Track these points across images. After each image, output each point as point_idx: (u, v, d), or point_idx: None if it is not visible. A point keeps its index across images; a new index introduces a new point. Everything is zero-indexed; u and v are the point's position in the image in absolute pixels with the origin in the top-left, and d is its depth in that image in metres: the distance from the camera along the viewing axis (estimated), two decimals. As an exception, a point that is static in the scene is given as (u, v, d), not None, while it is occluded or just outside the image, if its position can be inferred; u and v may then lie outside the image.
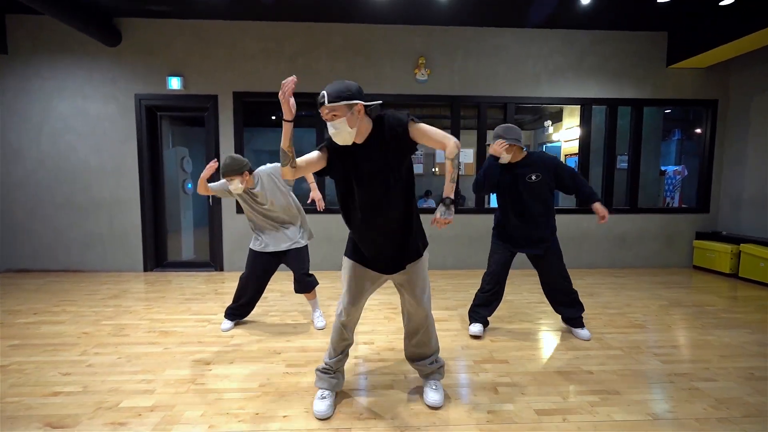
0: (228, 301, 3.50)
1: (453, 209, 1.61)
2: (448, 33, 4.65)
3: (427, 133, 1.62)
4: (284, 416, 1.80)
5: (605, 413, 1.83)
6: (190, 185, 5.79)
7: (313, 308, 3.00)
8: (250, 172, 2.64)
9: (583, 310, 2.78)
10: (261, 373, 2.20)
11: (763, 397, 1.98)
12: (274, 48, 4.58)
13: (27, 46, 4.42)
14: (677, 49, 4.68)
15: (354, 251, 1.82)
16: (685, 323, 3.04)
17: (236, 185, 2.57)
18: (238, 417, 1.79)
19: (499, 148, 2.51)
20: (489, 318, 2.84)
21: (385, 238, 1.72)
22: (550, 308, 3.31)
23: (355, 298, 1.82)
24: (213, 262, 4.83)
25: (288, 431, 1.70)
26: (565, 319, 2.83)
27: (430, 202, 7.14)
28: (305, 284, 2.80)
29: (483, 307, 2.77)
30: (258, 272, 2.77)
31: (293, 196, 2.82)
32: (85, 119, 4.53)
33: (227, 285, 4.13)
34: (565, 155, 6.73)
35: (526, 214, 2.61)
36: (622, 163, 5.12)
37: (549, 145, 7.77)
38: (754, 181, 4.60)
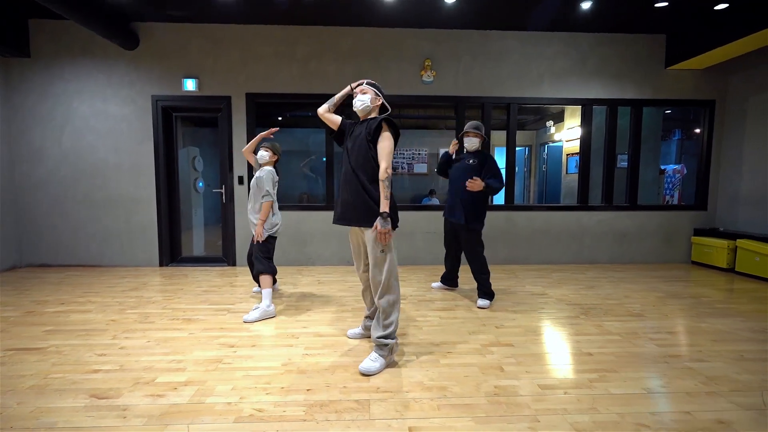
0: (242, 293, 3.68)
1: (389, 222, 2.10)
2: (454, 36, 4.82)
3: (380, 143, 2.18)
4: (308, 389, 1.96)
5: (603, 388, 1.99)
6: (201, 183, 5.97)
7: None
8: (276, 162, 3.34)
9: (485, 291, 3.36)
10: (282, 355, 2.36)
11: (752, 375, 2.13)
12: (285, 51, 4.75)
13: (49, 50, 4.62)
14: (675, 51, 4.83)
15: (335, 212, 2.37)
16: (682, 313, 3.19)
17: (262, 154, 3.22)
18: (266, 390, 1.95)
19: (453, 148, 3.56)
20: (452, 279, 3.84)
21: (346, 193, 2.25)
22: (552, 299, 3.47)
23: (354, 256, 2.42)
24: (225, 257, 5.00)
25: (312, 401, 1.86)
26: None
27: (435, 201, 7.30)
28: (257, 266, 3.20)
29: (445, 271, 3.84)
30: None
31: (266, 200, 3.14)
32: (104, 120, 4.72)
33: (240, 279, 4.29)
34: (567, 154, 6.88)
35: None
36: (622, 162, 5.27)
37: (551, 144, 7.92)
38: (751, 179, 4.74)
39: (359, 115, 2.35)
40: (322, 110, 2.46)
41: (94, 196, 4.79)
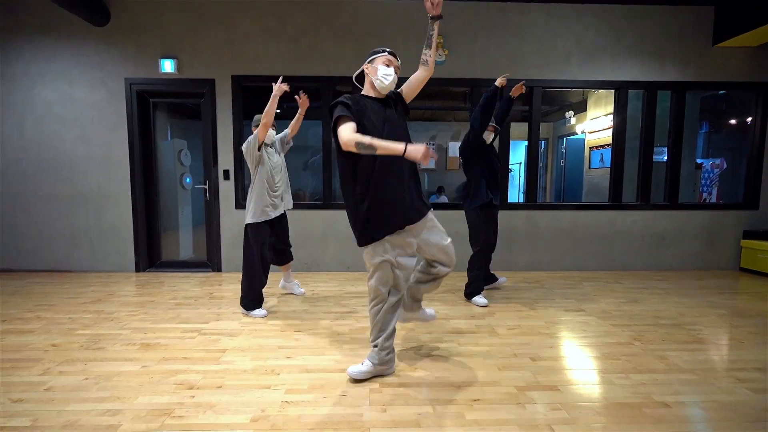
0: (222, 307, 3.11)
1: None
2: (469, 9, 4.20)
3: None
4: (281, 468, 1.38)
5: (706, 469, 1.39)
6: (189, 179, 5.39)
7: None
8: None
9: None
10: (255, 402, 1.78)
11: None
12: (275, 27, 4.16)
13: (6, 27, 4.05)
14: (725, 26, 4.17)
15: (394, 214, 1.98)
16: (759, 338, 2.57)
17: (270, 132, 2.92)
18: (220, 469, 1.37)
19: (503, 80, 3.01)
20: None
21: (403, 184, 1.93)
22: (593, 318, 2.86)
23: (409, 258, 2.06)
24: (210, 262, 4.43)
25: (285, 492, 1.28)
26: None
27: (444, 199, 6.69)
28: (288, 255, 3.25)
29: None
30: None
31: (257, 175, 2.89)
32: (71, 106, 4.15)
33: (224, 288, 3.72)
34: (590, 147, 6.24)
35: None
36: (657, 155, 4.64)
37: (571, 137, 7.28)
38: (814, 173, 4.09)
39: (383, 92, 1.95)
40: (352, 138, 1.77)
41: (60, 192, 4.23)
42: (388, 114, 1.92)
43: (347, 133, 1.76)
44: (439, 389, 1.90)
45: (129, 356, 2.24)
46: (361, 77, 2.02)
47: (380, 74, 1.89)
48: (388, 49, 1.94)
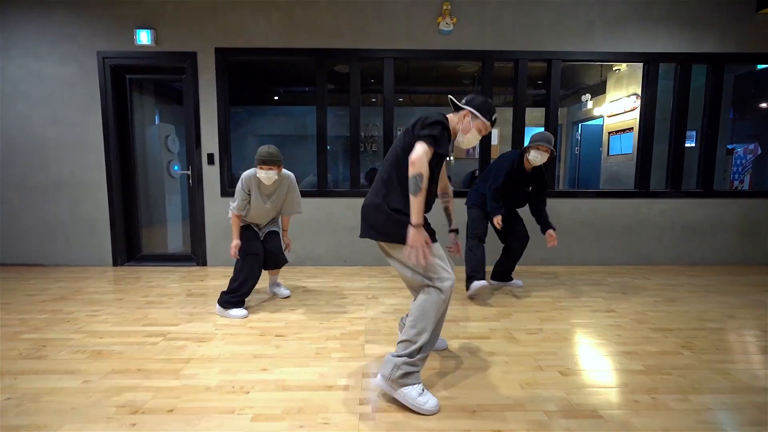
0: (199, 305, 2.72)
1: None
2: (480, -28, 3.74)
3: None
4: None
5: None
6: (177, 167, 5.00)
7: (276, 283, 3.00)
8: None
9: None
10: (211, 432, 1.39)
11: None
12: (264, -7, 3.73)
13: (-33, -6, 3.66)
14: (771, -11, 3.68)
15: None
16: (832, 346, 2.13)
17: (273, 176, 2.51)
18: None
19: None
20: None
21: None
22: (627, 320, 2.43)
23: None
24: (194, 255, 4.05)
25: None
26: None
27: (450, 188, 6.25)
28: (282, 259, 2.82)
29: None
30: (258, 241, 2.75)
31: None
32: (38, 83, 3.77)
33: (207, 284, 3.34)
34: (609, 132, 5.76)
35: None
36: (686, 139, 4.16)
37: (587, 123, 6.79)
38: None
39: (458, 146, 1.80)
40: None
41: (30, 180, 3.86)
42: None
43: (425, 160, 1.50)
44: (449, 416, 1.49)
45: (72, 368, 1.85)
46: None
47: (470, 137, 1.72)
48: (495, 116, 1.73)
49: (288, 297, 2.95)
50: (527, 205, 3.04)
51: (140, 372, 1.81)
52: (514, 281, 3.25)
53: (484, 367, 1.88)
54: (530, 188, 2.93)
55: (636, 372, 1.83)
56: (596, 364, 1.92)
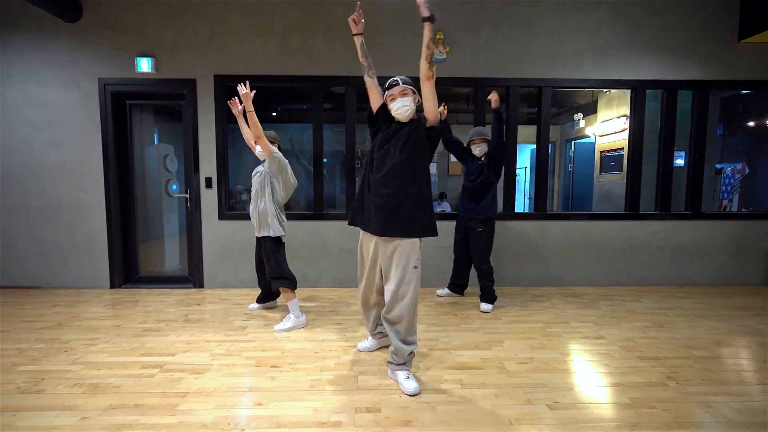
0: (198, 332, 2.76)
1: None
2: (472, 2, 3.86)
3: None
4: None
5: None
6: (175, 186, 5.05)
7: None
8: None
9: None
10: (207, 474, 1.42)
11: None
12: (262, 23, 3.83)
13: (-29, 23, 3.75)
14: (752, 19, 3.82)
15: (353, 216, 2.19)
16: (814, 376, 2.19)
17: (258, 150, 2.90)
18: None
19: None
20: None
21: (381, 198, 2.00)
22: (615, 348, 2.47)
23: (361, 267, 2.24)
24: (191, 277, 4.08)
25: None
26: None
27: (446, 206, 6.34)
28: (274, 284, 2.94)
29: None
30: (258, 256, 3.12)
31: (273, 195, 2.88)
32: (40, 109, 3.84)
33: (204, 308, 3.37)
34: (601, 152, 5.87)
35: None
36: (675, 159, 4.26)
37: (580, 141, 6.91)
38: None
39: (401, 119, 2.05)
40: (365, 72, 2.13)
41: (29, 203, 3.90)
42: (399, 135, 2.03)
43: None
44: (438, 454, 1.53)
45: (70, 403, 1.89)
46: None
47: (395, 105, 2.03)
48: (400, 78, 2.03)
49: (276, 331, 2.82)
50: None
51: (137, 408, 1.85)
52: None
53: (475, 399, 1.92)
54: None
55: (622, 405, 1.88)
56: (584, 397, 1.96)
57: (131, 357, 2.39)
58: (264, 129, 2.77)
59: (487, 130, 3.31)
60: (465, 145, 3.42)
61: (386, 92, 2.06)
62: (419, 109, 2.07)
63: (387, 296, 2.03)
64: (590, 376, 2.17)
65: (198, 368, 2.24)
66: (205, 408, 1.85)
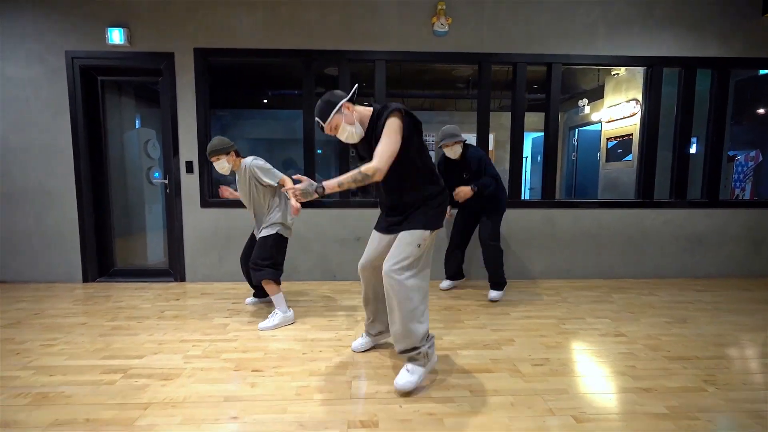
0: (172, 331, 2.46)
1: (314, 195, 1.68)
2: (476, -30, 3.54)
3: (383, 132, 1.69)
4: None
5: None
6: (157, 174, 4.72)
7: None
8: (238, 155, 2.64)
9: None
10: None
11: None
12: (247, -9, 3.49)
13: None
14: (778, -9, 3.54)
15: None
16: None
17: (222, 164, 2.57)
18: None
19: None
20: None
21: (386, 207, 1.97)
22: (639, 347, 2.21)
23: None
24: (172, 269, 3.77)
25: None
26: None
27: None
28: (255, 274, 2.60)
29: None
30: (246, 249, 2.86)
31: (269, 189, 2.64)
32: (1, 85, 3.48)
33: (183, 303, 3.07)
34: (607, 138, 5.60)
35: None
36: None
37: (584, 128, 6.64)
38: None
39: (358, 139, 1.85)
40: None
41: (-9, 189, 3.57)
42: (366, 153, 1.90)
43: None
44: (449, 482, 1.25)
45: (10, 417, 1.59)
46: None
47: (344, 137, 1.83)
48: (346, 97, 1.77)
49: (261, 329, 2.53)
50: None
51: (88, 423, 1.55)
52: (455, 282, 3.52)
53: (487, 410, 1.65)
54: (465, 175, 3.06)
55: (659, 416, 1.61)
56: (613, 406, 1.70)
57: (92, 360, 2.09)
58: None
59: (457, 129, 2.99)
60: (434, 147, 3.19)
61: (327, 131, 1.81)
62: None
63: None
64: (616, 381, 1.91)
65: (167, 373, 1.95)
66: (169, 423, 1.55)
